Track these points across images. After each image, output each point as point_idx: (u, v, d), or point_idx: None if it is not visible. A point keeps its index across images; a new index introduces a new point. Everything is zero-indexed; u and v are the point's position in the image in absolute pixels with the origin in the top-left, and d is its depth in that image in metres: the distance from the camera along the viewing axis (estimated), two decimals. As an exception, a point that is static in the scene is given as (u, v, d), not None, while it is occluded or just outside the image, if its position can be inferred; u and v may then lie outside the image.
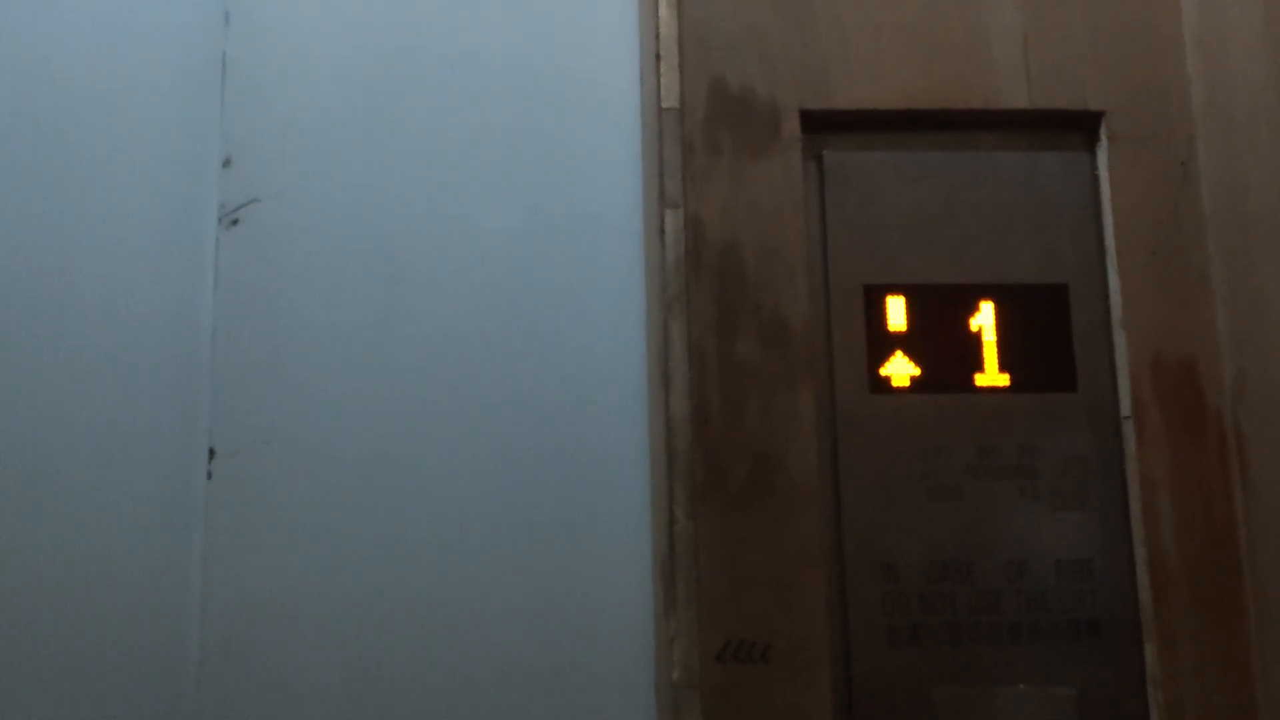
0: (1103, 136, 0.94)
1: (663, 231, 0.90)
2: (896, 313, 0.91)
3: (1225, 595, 0.87)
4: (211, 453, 0.90)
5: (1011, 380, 0.91)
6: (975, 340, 0.91)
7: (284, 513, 0.89)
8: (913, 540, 0.88)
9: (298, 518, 0.89)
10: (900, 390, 0.90)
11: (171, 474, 0.89)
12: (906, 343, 0.91)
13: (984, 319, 0.92)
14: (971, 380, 0.91)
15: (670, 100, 0.91)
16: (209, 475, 0.90)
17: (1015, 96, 0.93)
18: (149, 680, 0.86)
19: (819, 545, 0.86)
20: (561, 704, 0.87)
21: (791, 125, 0.91)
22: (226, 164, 0.95)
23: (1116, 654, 0.87)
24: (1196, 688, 0.86)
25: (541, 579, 0.89)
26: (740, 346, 0.88)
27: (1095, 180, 0.94)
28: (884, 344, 0.91)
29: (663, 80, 0.91)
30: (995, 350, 0.91)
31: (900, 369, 0.90)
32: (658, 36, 0.92)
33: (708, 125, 0.91)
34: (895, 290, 0.91)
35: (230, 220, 0.94)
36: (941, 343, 0.91)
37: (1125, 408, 0.90)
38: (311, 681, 0.87)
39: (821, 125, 0.92)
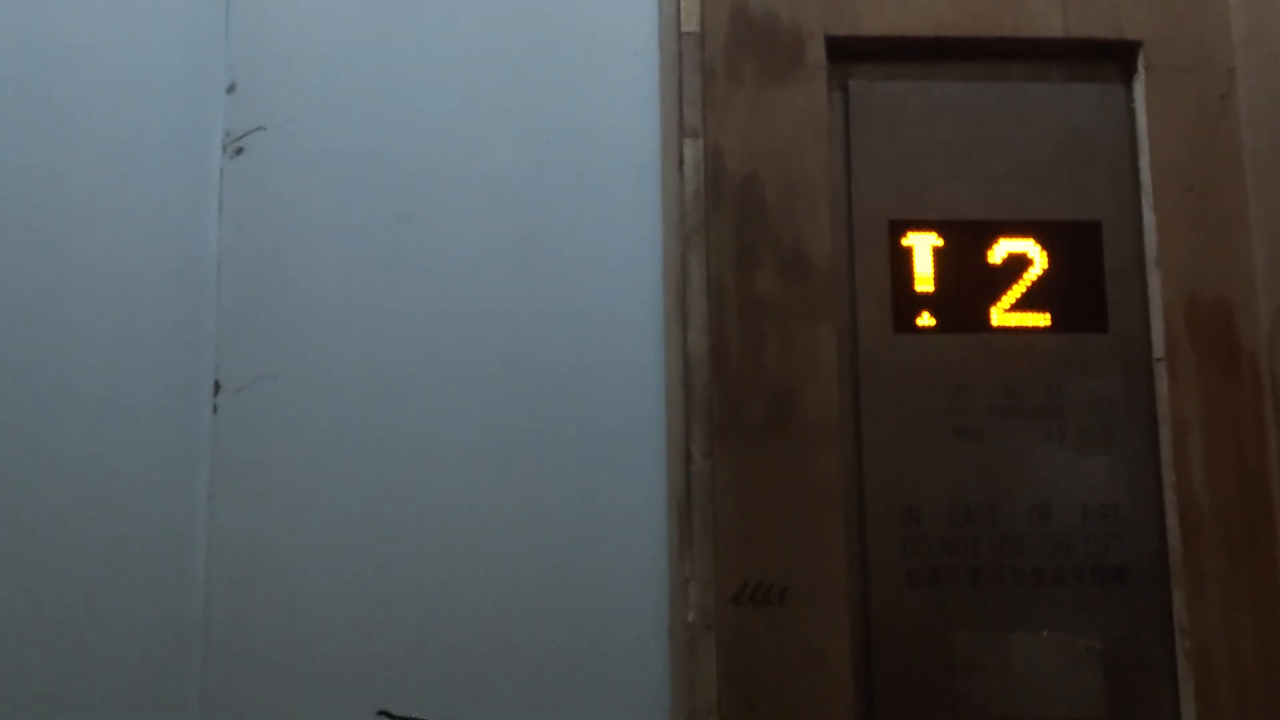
0: (1139, 68, 0.90)
1: (681, 162, 0.87)
2: (922, 249, 0.88)
3: (1256, 541, 0.85)
4: (217, 387, 0.88)
5: (1040, 321, 0.88)
6: (1003, 278, 0.88)
7: (290, 448, 0.87)
8: (935, 482, 0.86)
9: (304, 453, 0.87)
10: (924, 329, 0.87)
11: (176, 408, 0.88)
12: (932, 281, 0.88)
13: (1013, 257, 0.89)
14: (999, 320, 0.88)
15: (690, 24, 0.88)
16: (214, 410, 0.88)
17: (1049, 24, 0.90)
18: (155, 618, 0.85)
19: (838, 486, 0.84)
20: (575, 645, 0.86)
21: (816, 52, 0.88)
22: (231, 90, 0.92)
23: (1143, 601, 0.85)
24: (1225, 635, 0.83)
25: (555, 518, 0.87)
26: (760, 281, 0.86)
27: (1131, 113, 0.91)
28: (908, 281, 0.88)
29: (682, 3, 0.88)
30: (1024, 289, 0.88)
31: (925, 307, 0.88)
32: (677, -43, 0.89)
33: (729, 51, 0.88)
34: (921, 226, 0.88)
35: (235, 149, 0.91)
36: (968, 281, 0.88)
37: (1158, 349, 0.87)
38: (318, 618, 0.85)
39: (847, 53, 0.89)
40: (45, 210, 0.85)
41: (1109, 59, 0.91)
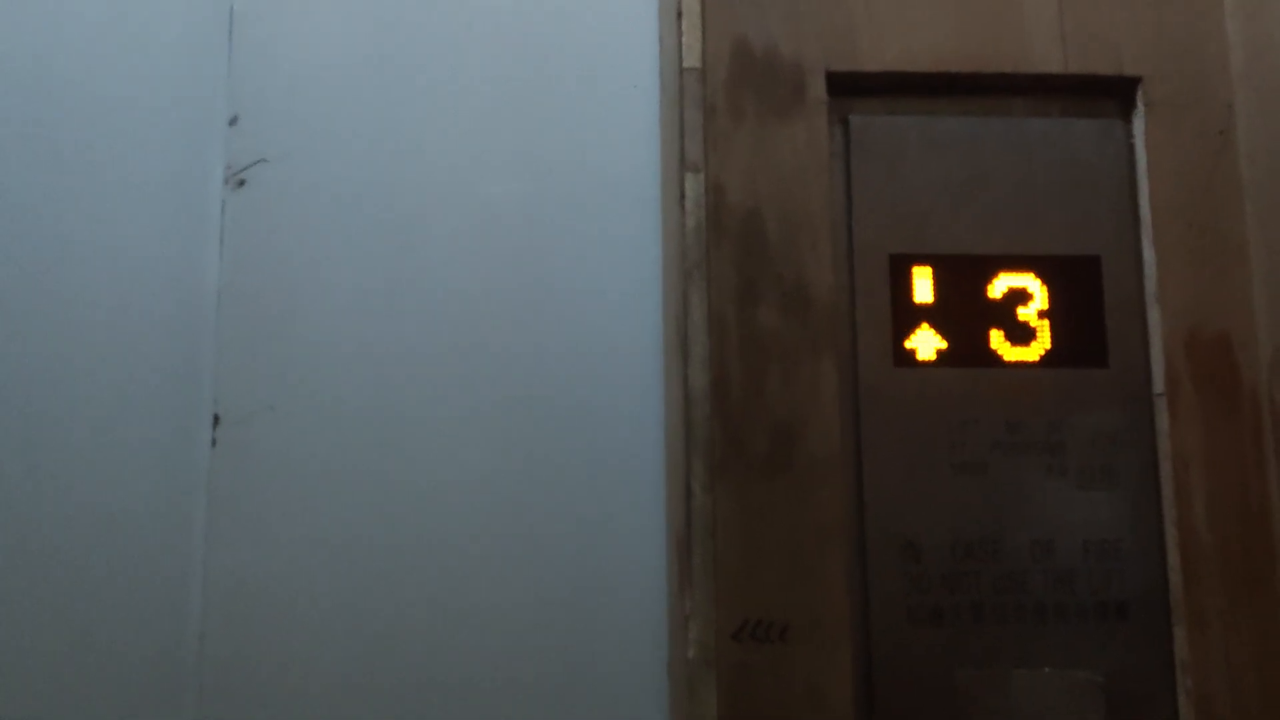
0: (1139, 103, 0.90)
1: (683, 196, 0.87)
2: (923, 283, 0.88)
3: (1258, 577, 0.84)
4: (216, 419, 0.88)
5: (1041, 355, 0.88)
6: (1004, 313, 0.88)
7: (289, 481, 0.87)
8: (936, 517, 0.85)
9: (303, 486, 0.87)
10: (925, 363, 0.87)
11: (175, 440, 0.87)
12: (932, 315, 0.88)
13: (1013, 291, 0.89)
14: (999, 354, 0.88)
15: (691, 60, 0.88)
16: (213, 442, 0.88)
17: (1049, 60, 0.90)
18: (150, 651, 0.84)
19: (840, 522, 0.84)
20: (573, 682, 0.85)
21: (817, 87, 0.88)
22: (233, 122, 0.92)
23: (1145, 637, 0.85)
24: (1226, 672, 0.83)
25: (554, 552, 0.87)
26: (761, 316, 0.86)
27: (1130, 148, 0.91)
28: (909, 316, 0.88)
29: (684, 39, 0.88)
30: (1024, 324, 0.88)
31: (925, 341, 0.88)
32: (679, -7, 0.89)
33: (730, 86, 0.88)
34: (922, 260, 0.88)
35: (237, 181, 0.91)
36: (969, 315, 0.88)
37: (1158, 384, 0.87)
38: (316, 649, 0.85)
39: (848, 88, 0.89)
40: (44, 243, 0.85)
41: (1108, 94, 0.91)
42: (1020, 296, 0.89)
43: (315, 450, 0.87)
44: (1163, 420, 0.86)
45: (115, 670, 0.83)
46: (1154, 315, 0.88)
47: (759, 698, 0.81)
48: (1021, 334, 0.88)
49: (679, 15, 0.89)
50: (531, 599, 0.86)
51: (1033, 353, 0.88)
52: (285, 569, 0.86)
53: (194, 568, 0.86)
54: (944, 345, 0.88)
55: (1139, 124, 0.90)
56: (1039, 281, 0.89)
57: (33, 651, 0.81)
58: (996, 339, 0.88)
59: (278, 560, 0.86)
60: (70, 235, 0.86)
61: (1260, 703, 0.83)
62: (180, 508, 0.87)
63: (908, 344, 0.87)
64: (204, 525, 0.86)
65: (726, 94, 0.88)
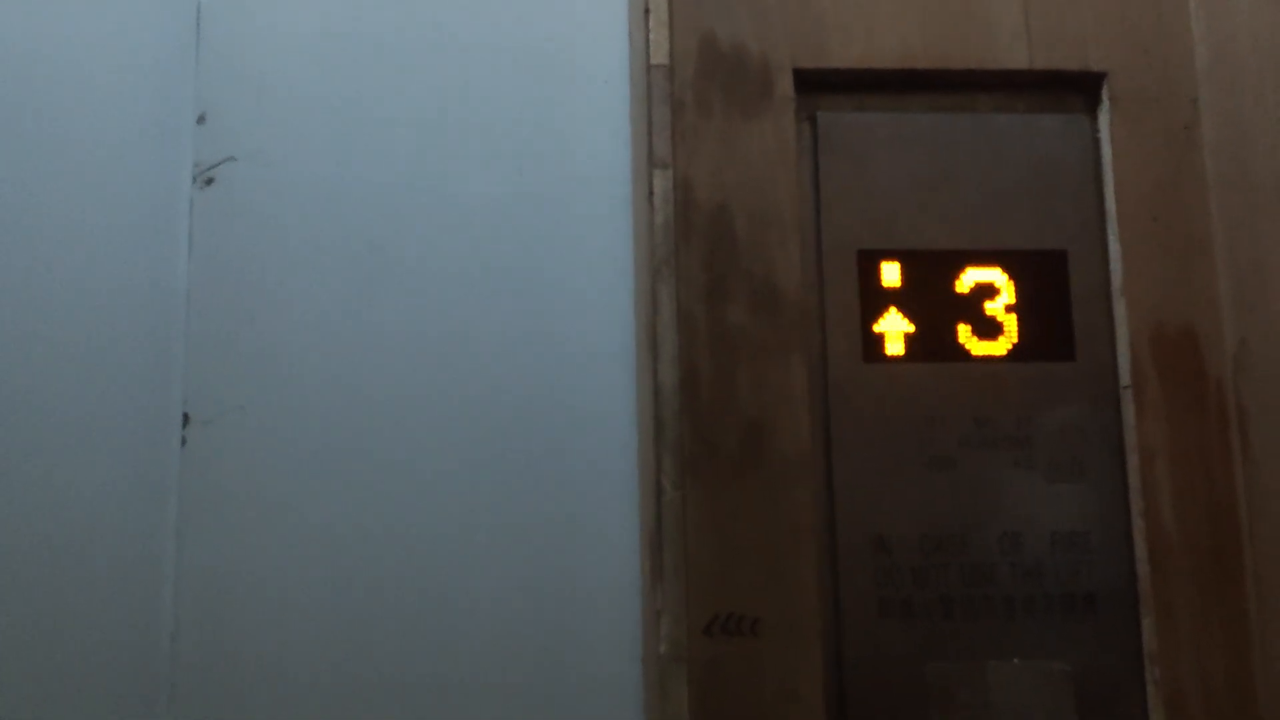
0: (1104, 98, 0.91)
1: (651, 193, 0.87)
2: (891, 279, 0.89)
3: (1224, 569, 0.85)
4: (186, 419, 0.88)
5: (1008, 349, 0.88)
6: (971, 308, 0.89)
7: (259, 480, 0.87)
8: (905, 512, 0.86)
9: (273, 485, 0.87)
10: (894, 359, 0.88)
11: (145, 441, 0.87)
12: (901, 310, 0.88)
13: (980, 286, 0.89)
14: (967, 349, 0.88)
15: (659, 57, 0.88)
16: (183, 442, 0.87)
17: (1015, 56, 0.91)
18: (121, 653, 0.84)
19: (810, 517, 0.84)
20: (547, 676, 0.85)
21: (785, 84, 0.89)
22: (201, 120, 0.91)
23: (1113, 628, 0.85)
24: (1194, 662, 0.84)
25: (526, 550, 0.87)
26: (730, 313, 0.86)
27: (1096, 143, 0.91)
28: (878, 311, 0.88)
29: (651, 36, 0.88)
30: (991, 318, 0.89)
31: (894, 337, 0.88)
32: (647, -10, 0.89)
33: (698, 83, 0.88)
34: (890, 256, 0.89)
35: (205, 179, 0.91)
36: (937, 310, 0.89)
37: (1124, 377, 0.88)
38: (287, 652, 0.85)
39: (815, 85, 0.90)
40: (10, 241, 0.84)
41: (1074, 90, 0.92)
42: (988, 291, 0.89)
43: (286, 450, 0.87)
44: (1129, 413, 0.87)
45: (88, 669, 0.83)
46: (1120, 309, 0.89)
47: (730, 692, 0.81)
48: (989, 328, 0.89)
49: (646, 11, 0.89)
50: (504, 595, 0.86)
51: (1000, 347, 0.88)
52: (256, 567, 0.86)
53: (165, 566, 0.86)
54: (912, 341, 0.88)
55: (1104, 119, 0.91)
56: (1006, 276, 0.89)
57: (4, 650, 0.80)
58: (964, 334, 0.88)
59: (249, 558, 0.86)
60: (37, 235, 0.86)
61: (1227, 692, 0.84)
62: (151, 507, 0.86)
63: (876, 339, 0.88)
64: (175, 524, 0.86)
65: (694, 90, 0.88)
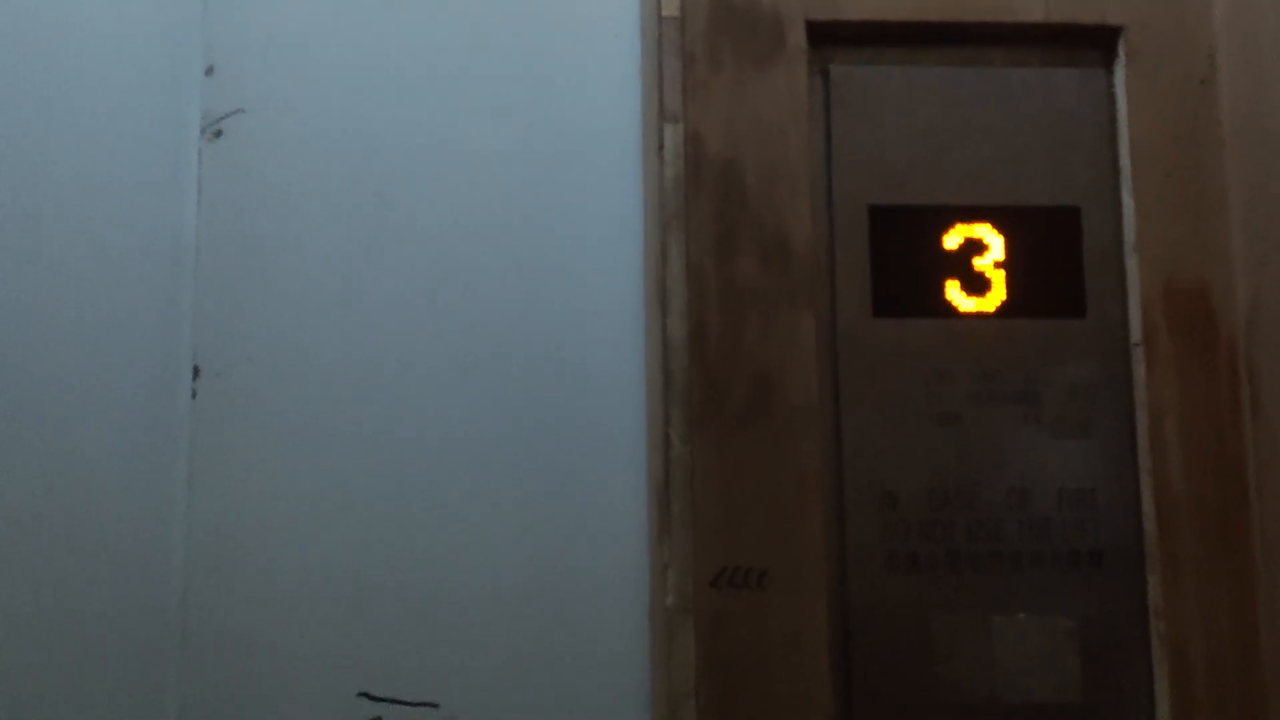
0: (1120, 52, 0.90)
1: (661, 146, 0.87)
2: (903, 234, 0.88)
3: (1231, 526, 0.85)
4: (196, 371, 0.88)
5: (1019, 305, 0.88)
6: (970, 264, 0.88)
7: (269, 433, 0.87)
8: (913, 466, 0.86)
9: (283, 438, 0.87)
10: (904, 314, 0.88)
11: (155, 393, 0.87)
12: (911, 266, 0.88)
13: (992, 242, 0.89)
14: (977, 305, 0.88)
15: (670, 8, 0.87)
16: (193, 394, 0.88)
17: (1030, 9, 0.90)
18: (132, 605, 0.85)
19: (817, 470, 0.84)
20: (553, 628, 0.86)
21: (797, 36, 0.88)
22: (209, 72, 0.91)
23: (1119, 585, 0.86)
24: (1199, 619, 0.84)
25: (534, 500, 0.87)
26: (740, 267, 0.86)
27: (1111, 98, 0.91)
28: (888, 266, 0.88)
29: (662, -13, 0.88)
30: (1003, 274, 0.88)
31: (905, 292, 0.88)
32: (658, -59, 0.88)
33: (709, 35, 0.87)
34: (902, 210, 0.88)
35: (214, 131, 0.90)
36: (947, 266, 0.88)
37: (1135, 334, 0.87)
38: (298, 603, 0.85)
39: (828, 37, 0.89)
40: (18, 195, 0.84)
41: (1090, 44, 0.91)
42: (999, 247, 0.89)
43: (295, 402, 0.88)
44: (1140, 370, 0.87)
45: (99, 620, 0.83)
46: (1132, 265, 0.88)
47: (737, 644, 0.82)
48: (1000, 285, 0.88)
49: (657, -37, 0.88)
50: (513, 548, 0.87)
51: (1011, 303, 0.88)
52: (267, 520, 0.86)
53: (176, 520, 0.86)
54: (921, 297, 0.88)
55: (1120, 74, 0.90)
56: (1018, 232, 0.89)
57: (12, 608, 0.81)
58: (975, 289, 0.88)
59: (259, 511, 0.86)
60: (45, 188, 0.86)
61: (1231, 648, 0.84)
62: (161, 460, 0.87)
63: (886, 294, 0.87)
64: (185, 477, 0.87)
65: (705, 43, 0.87)
